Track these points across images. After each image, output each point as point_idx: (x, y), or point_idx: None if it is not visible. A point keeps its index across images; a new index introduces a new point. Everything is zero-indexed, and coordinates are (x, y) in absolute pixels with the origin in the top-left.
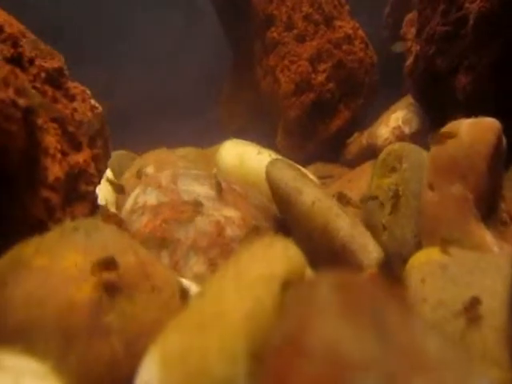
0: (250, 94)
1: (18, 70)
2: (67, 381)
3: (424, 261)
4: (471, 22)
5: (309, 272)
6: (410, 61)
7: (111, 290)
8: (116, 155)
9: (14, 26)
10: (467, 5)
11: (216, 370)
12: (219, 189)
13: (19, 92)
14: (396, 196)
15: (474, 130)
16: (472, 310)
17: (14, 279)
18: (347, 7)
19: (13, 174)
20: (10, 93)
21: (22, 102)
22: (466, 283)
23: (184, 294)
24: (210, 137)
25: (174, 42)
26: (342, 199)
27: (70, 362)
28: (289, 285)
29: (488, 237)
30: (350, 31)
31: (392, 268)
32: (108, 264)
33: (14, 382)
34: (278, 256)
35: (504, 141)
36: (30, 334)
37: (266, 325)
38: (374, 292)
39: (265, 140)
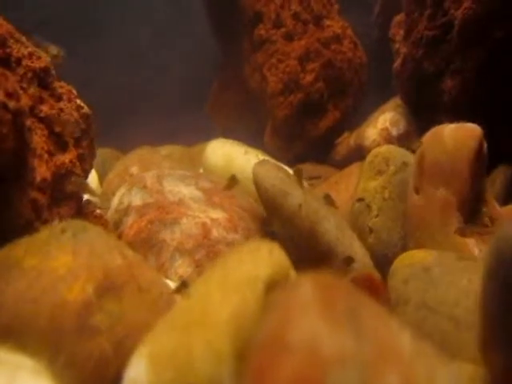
0: (239, 92)
1: (7, 72)
2: (58, 379)
3: (407, 263)
4: (456, 27)
5: (293, 274)
6: (398, 62)
7: (100, 291)
8: (100, 153)
9: (2, 26)
10: (452, 11)
11: (202, 369)
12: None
13: (9, 94)
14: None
15: (456, 136)
16: None
17: (4, 279)
18: (336, 6)
19: (2, 176)
20: (1, 95)
21: (11, 104)
22: (445, 284)
23: (171, 295)
24: (197, 135)
25: (158, 38)
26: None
27: (60, 360)
28: (273, 286)
29: (469, 239)
30: (339, 31)
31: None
32: None
33: (11, 374)
34: (263, 259)
35: (485, 146)
36: (21, 332)
37: (251, 325)
38: (351, 292)
39: (252, 139)
